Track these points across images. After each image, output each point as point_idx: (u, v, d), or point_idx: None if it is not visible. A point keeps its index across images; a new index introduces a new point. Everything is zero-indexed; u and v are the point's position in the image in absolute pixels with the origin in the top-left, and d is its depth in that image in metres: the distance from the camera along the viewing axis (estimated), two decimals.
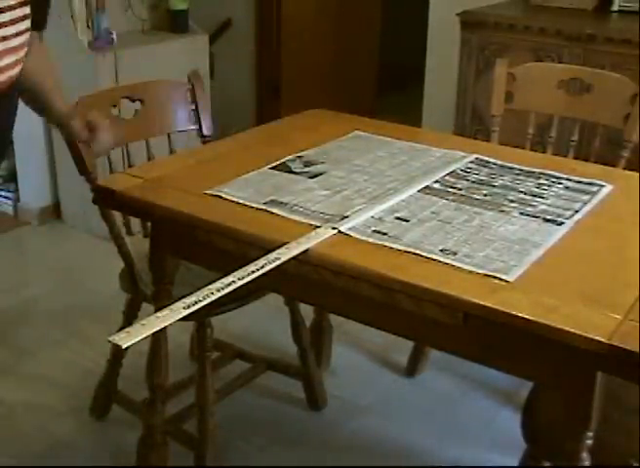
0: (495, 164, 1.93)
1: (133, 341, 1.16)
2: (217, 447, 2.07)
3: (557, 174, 1.87)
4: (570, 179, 1.84)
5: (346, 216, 1.58)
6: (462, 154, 1.98)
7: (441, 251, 1.46)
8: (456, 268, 1.40)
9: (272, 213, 1.62)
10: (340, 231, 1.53)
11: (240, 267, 1.35)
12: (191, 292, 1.28)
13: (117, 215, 2.03)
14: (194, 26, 3.75)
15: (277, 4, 4.41)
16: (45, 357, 2.67)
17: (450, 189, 1.75)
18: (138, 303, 2.16)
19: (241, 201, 1.67)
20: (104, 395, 2.32)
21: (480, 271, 1.39)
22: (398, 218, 1.59)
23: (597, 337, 1.20)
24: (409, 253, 1.45)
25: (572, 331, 1.22)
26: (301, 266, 1.47)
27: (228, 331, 2.59)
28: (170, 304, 1.26)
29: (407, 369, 2.59)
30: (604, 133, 2.29)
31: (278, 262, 1.40)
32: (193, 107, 2.25)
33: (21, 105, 1.77)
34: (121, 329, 2.23)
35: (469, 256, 1.44)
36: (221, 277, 1.33)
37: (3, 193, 3.80)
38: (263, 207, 1.64)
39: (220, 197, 1.69)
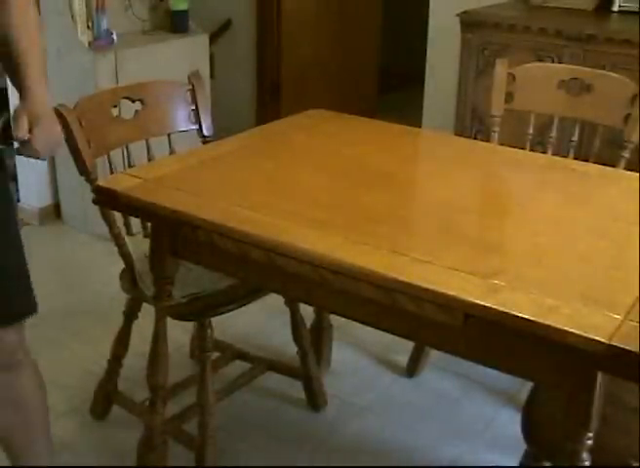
0: None
1: None
2: (217, 447, 2.07)
3: None
4: None
5: None
6: None
7: None
8: (455, 268, 1.40)
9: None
10: None
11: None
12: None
13: (117, 215, 2.03)
14: (194, 26, 3.75)
15: (277, 4, 4.41)
16: (45, 357, 2.65)
17: None
18: (138, 303, 2.16)
19: None
20: (105, 395, 2.32)
21: None
22: None
23: (597, 337, 1.20)
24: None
25: (572, 331, 1.22)
26: (301, 266, 1.47)
27: (228, 331, 2.59)
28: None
29: (407, 369, 2.59)
30: (604, 133, 2.29)
31: None
32: (193, 107, 2.25)
33: None
34: (121, 329, 2.23)
35: None
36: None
37: None
38: None
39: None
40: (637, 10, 3.03)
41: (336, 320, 2.51)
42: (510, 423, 2.25)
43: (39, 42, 1.60)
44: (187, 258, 1.83)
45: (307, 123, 2.24)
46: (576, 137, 2.32)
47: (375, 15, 4.97)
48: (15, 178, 3.73)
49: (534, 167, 1.98)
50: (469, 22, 3.11)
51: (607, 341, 1.19)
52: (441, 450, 2.25)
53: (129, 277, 2.10)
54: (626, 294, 1.33)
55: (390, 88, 5.15)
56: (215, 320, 2.01)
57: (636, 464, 1.47)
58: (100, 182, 1.84)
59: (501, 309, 1.28)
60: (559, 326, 1.23)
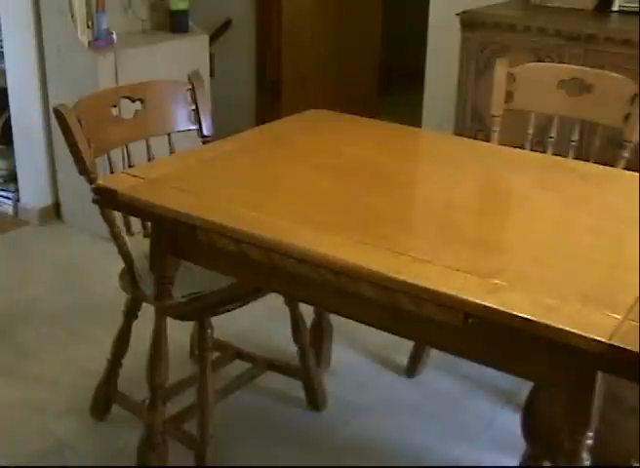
0: None
1: None
2: (217, 446, 2.07)
3: None
4: None
5: None
6: None
7: None
8: (455, 268, 1.40)
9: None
10: None
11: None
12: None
13: (117, 215, 2.03)
14: (194, 26, 3.75)
15: (277, 4, 4.41)
16: (45, 357, 2.67)
17: None
18: (138, 303, 2.16)
19: None
20: (104, 395, 2.32)
21: None
22: None
23: (597, 337, 1.20)
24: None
25: (572, 330, 1.22)
26: (301, 266, 1.47)
27: (228, 331, 2.58)
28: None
29: (407, 369, 2.59)
30: (604, 133, 2.29)
31: None
32: (193, 107, 2.24)
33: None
34: (121, 329, 2.23)
35: None
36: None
37: (3, 193, 3.79)
38: None
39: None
40: (637, 10, 3.03)
41: (336, 320, 2.51)
42: (510, 423, 2.25)
43: None
44: (187, 258, 1.83)
45: (307, 123, 2.24)
46: (576, 137, 2.32)
47: (375, 14, 4.97)
48: (15, 178, 3.73)
49: (534, 167, 1.98)
50: (469, 22, 3.11)
51: (607, 341, 1.19)
52: (441, 450, 2.25)
53: (129, 277, 2.10)
54: (626, 294, 1.33)
55: (390, 88, 5.15)
56: (215, 320, 2.01)
57: (636, 464, 1.47)
58: (100, 182, 1.84)
59: (501, 309, 1.28)
60: (559, 325, 1.23)
